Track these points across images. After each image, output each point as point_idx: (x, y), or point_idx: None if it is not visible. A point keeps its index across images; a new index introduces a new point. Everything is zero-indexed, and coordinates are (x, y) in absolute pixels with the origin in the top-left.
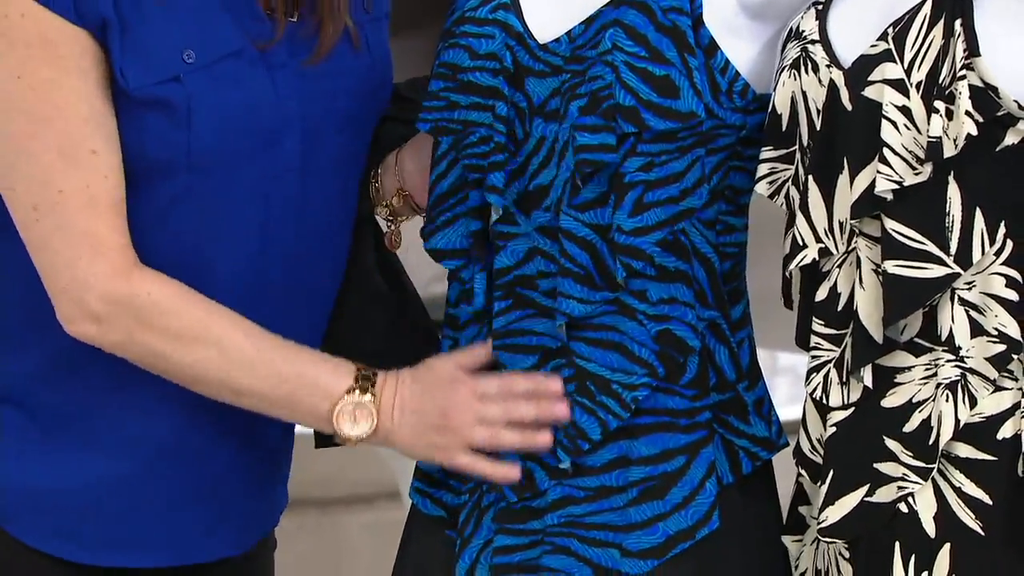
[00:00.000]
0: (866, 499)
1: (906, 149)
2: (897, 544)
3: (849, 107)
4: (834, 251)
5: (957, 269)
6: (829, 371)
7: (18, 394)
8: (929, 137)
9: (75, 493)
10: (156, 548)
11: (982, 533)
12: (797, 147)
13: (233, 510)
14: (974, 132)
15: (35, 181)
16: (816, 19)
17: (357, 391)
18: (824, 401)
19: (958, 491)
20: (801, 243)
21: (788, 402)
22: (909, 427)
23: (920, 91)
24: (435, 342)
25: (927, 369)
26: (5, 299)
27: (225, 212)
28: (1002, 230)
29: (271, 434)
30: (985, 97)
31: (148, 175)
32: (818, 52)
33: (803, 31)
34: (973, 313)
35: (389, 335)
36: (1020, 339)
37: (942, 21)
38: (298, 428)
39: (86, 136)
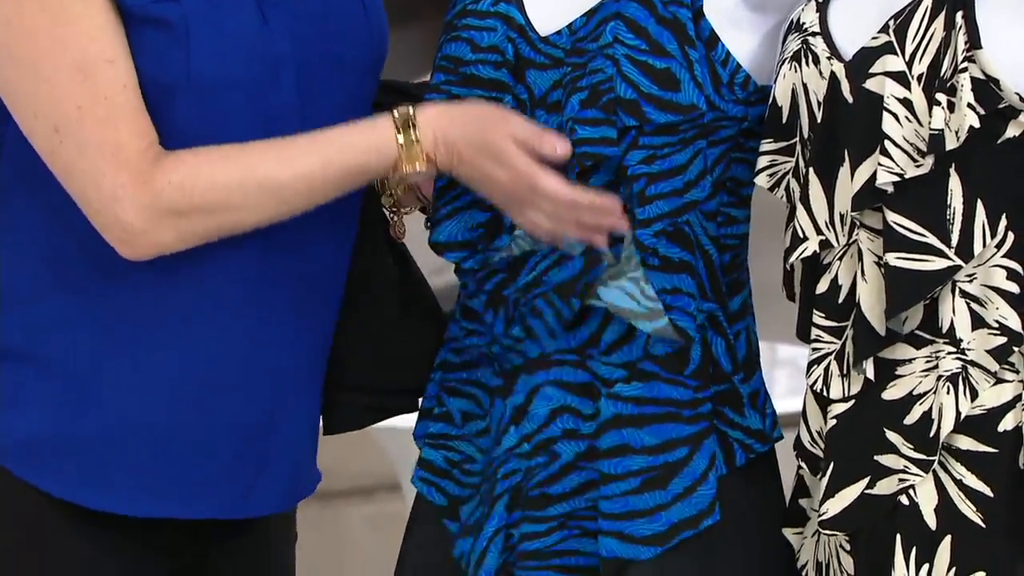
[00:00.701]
0: (867, 491)
1: (907, 141)
2: (898, 536)
3: (850, 99)
4: (835, 243)
5: (958, 261)
6: (830, 363)
7: (36, 346)
8: (931, 129)
9: (100, 439)
10: (190, 498)
11: (983, 525)
12: (798, 139)
13: (273, 457)
14: (976, 124)
15: (53, 101)
16: (817, 11)
17: (398, 122)
18: (825, 393)
19: (959, 483)
20: (802, 235)
21: (788, 394)
22: (910, 419)
23: (921, 83)
24: (443, 329)
25: (928, 361)
26: (20, 252)
27: (224, 141)
28: (1003, 222)
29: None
30: (987, 89)
31: (148, 100)
32: (819, 44)
33: (804, 23)
34: (974, 305)
35: (396, 324)
36: (1021, 331)
37: (943, 13)
38: None
39: (103, 48)
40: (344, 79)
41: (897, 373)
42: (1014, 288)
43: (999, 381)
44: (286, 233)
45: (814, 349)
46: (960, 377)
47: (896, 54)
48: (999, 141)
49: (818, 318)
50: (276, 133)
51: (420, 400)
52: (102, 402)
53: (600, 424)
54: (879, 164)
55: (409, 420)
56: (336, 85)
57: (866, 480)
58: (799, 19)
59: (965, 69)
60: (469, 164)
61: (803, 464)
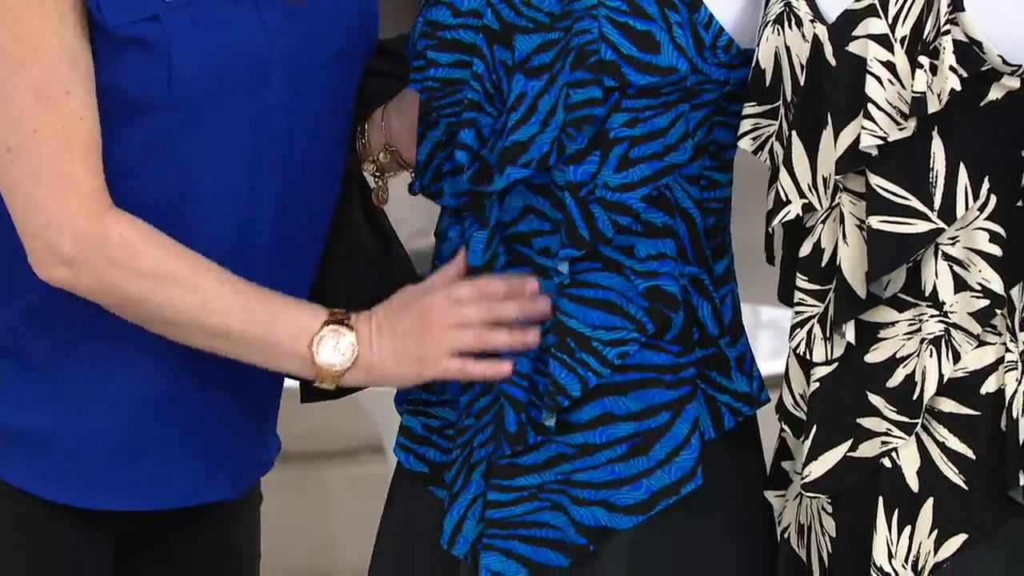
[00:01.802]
0: (849, 454)
1: (890, 104)
2: (880, 499)
3: (833, 62)
4: (818, 207)
5: (941, 224)
6: (812, 327)
7: (5, 341)
8: (913, 92)
9: (66, 437)
10: (149, 492)
11: (965, 488)
12: (780, 103)
13: (226, 454)
14: (958, 87)
15: (9, 123)
16: None
17: (333, 323)
18: (807, 357)
19: (941, 446)
20: (784, 199)
21: (771, 356)
22: (893, 382)
23: (904, 46)
24: None
25: (911, 324)
26: None
27: (210, 153)
28: (986, 185)
29: (258, 379)
30: (969, 52)
31: (128, 112)
32: (802, 7)
33: None
34: (957, 268)
35: (375, 293)
36: (1003, 294)
37: None
38: (286, 382)
39: (61, 77)
40: (333, 70)
41: (880, 336)
42: (996, 251)
43: (981, 344)
44: (253, 258)
45: (797, 312)
46: (943, 340)
47: (879, 16)
48: (982, 104)
49: (801, 281)
50: (263, 135)
51: None
52: (70, 405)
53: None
54: (862, 127)
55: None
56: (325, 76)
57: (849, 443)
58: None
59: (948, 32)
60: (394, 355)
61: (786, 427)
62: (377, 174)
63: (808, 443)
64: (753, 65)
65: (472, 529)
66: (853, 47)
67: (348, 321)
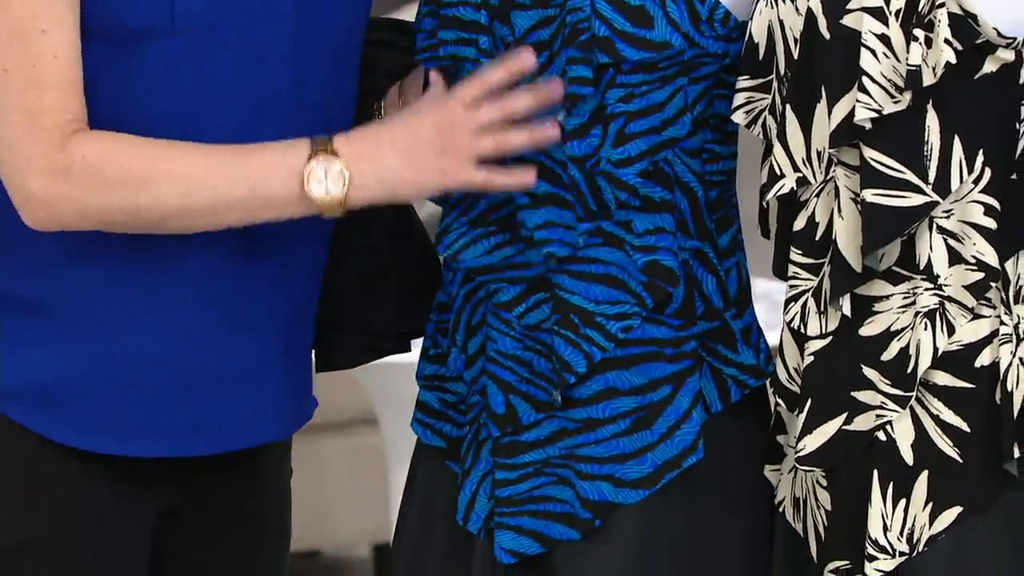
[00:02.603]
0: (844, 427)
1: (885, 77)
2: (875, 472)
3: (827, 36)
4: (812, 180)
5: (936, 197)
6: (807, 300)
7: (29, 289)
8: (908, 65)
9: (94, 383)
10: (186, 436)
11: (960, 461)
12: (774, 76)
13: (267, 395)
14: (953, 60)
15: None
16: None
17: (318, 153)
18: (802, 330)
19: (936, 419)
20: (779, 172)
21: (765, 329)
22: (887, 355)
23: (899, 19)
24: (437, 269)
25: (905, 297)
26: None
27: (217, 85)
28: (980, 158)
29: (293, 310)
30: (964, 25)
31: (129, 44)
32: None
33: None
34: (951, 241)
35: (392, 257)
36: (998, 267)
37: None
38: None
39: (36, 15)
40: (341, 6)
41: (874, 309)
42: (991, 224)
43: (976, 317)
44: None
45: (791, 286)
46: (937, 313)
47: None
48: (976, 76)
49: (795, 255)
50: (270, 71)
51: (411, 342)
52: (96, 346)
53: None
54: (857, 100)
55: (388, 356)
56: (334, 13)
57: (843, 416)
58: None
59: (942, 4)
60: (407, 163)
61: (780, 400)
62: None
63: (802, 417)
64: (746, 39)
65: (484, 506)
66: (847, 20)
67: (332, 147)
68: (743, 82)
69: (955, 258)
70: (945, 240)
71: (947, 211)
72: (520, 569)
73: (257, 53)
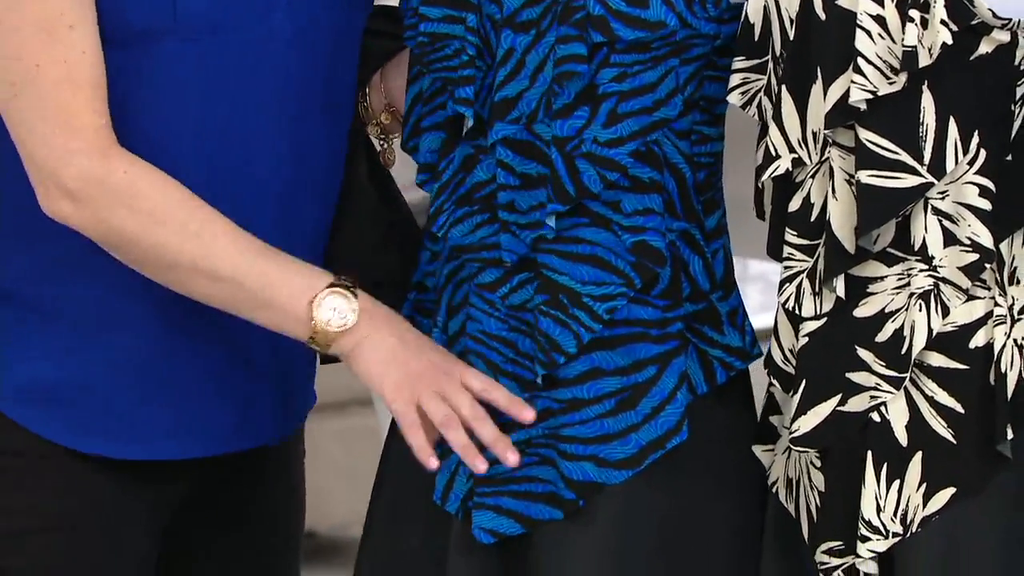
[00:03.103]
0: (838, 408)
1: (880, 59)
2: (869, 453)
3: (823, 16)
4: (807, 161)
5: (931, 179)
6: (802, 281)
7: (31, 291)
8: (904, 46)
9: (91, 385)
10: (180, 439)
11: (954, 442)
12: (770, 57)
13: (264, 396)
14: (949, 41)
15: (12, 56)
16: None
17: (339, 288)
18: (797, 311)
19: (930, 400)
20: (774, 153)
21: (759, 310)
22: (882, 337)
23: (895, 0)
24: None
25: (900, 279)
26: (18, 198)
27: (216, 85)
28: (976, 139)
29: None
30: (960, 6)
31: (130, 44)
32: None
33: None
34: (946, 222)
35: (379, 249)
36: (993, 248)
37: None
38: None
39: (64, 11)
40: (336, 5)
41: (869, 291)
42: (986, 205)
43: (971, 298)
44: (259, 194)
45: (786, 267)
46: (932, 294)
47: None
48: (972, 58)
49: (790, 236)
50: (271, 68)
51: None
52: (97, 348)
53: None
54: (852, 82)
55: None
56: (329, 12)
57: (838, 397)
58: None
59: None
60: (385, 356)
61: (774, 381)
62: (382, 136)
63: (797, 398)
64: (742, 19)
65: (462, 486)
66: (843, 1)
67: (353, 288)
68: (739, 63)
69: (950, 239)
70: (940, 221)
71: (942, 192)
72: (498, 550)
73: (258, 51)
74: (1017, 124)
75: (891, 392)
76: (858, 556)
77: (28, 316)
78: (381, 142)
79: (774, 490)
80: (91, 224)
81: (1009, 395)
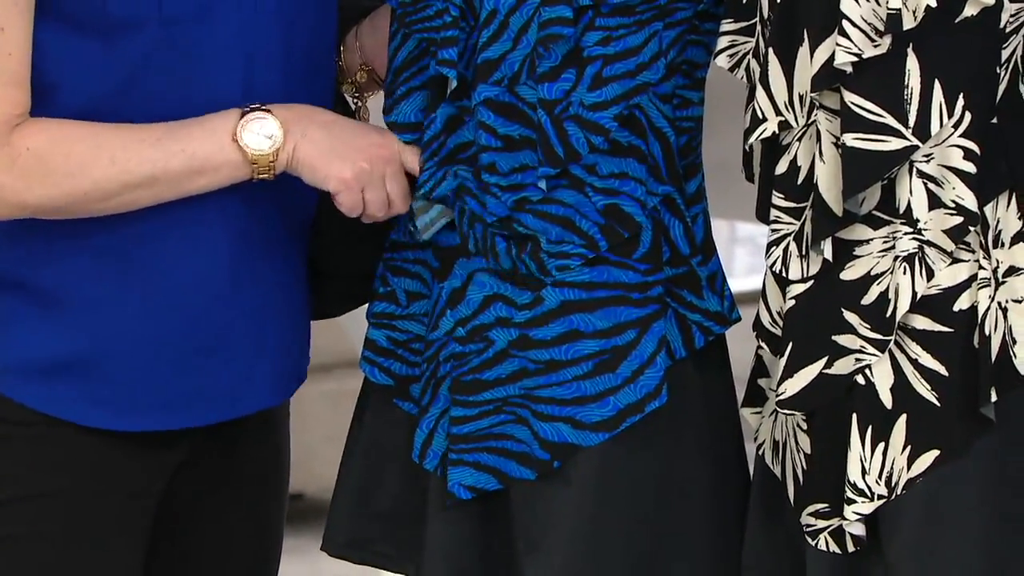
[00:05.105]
0: (824, 371)
1: (865, 21)
2: (854, 416)
3: None
4: (794, 124)
5: (915, 141)
6: (789, 244)
7: (30, 274)
8: (888, 9)
9: (90, 361)
10: (177, 409)
11: (938, 404)
12: (758, 19)
13: (261, 362)
14: (933, 4)
15: None
16: None
17: (250, 112)
18: (784, 274)
19: (915, 363)
20: (761, 116)
21: (747, 272)
22: (867, 299)
23: None
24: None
25: (885, 242)
26: None
27: (201, 70)
28: (960, 102)
29: (286, 279)
30: None
31: (111, 34)
32: None
33: None
34: (931, 185)
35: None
36: (977, 211)
37: None
38: None
39: None
40: None
41: (855, 254)
42: (971, 168)
43: (955, 261)
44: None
45: (773, 230)
46: (916, 257)
47: None
48: (956, 20)
49: (777, 199)
50: (257, 49)
51: None
52: (91, 325)
53: (542, 313)
54: (837, 44)
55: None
56: None
57: (824, 360)
58: None
59: None
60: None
61: (763, 344)
62: (356, 95)
63: (784, 360)
64: None
65: (441, 443)
66: None
67: (263, 107)
68: (727, 25)
69: (935, 202)
70: (925, 184)
71: (927, 155)
72: (477, 507)
73: (239, 37)
74: (1002, 87)
75: (876, 355)
76: (844, 518)
77: (26, 296)
78: (356, 100)
79: (760, 452)
80: (21, 208)
81: (993, 358)
